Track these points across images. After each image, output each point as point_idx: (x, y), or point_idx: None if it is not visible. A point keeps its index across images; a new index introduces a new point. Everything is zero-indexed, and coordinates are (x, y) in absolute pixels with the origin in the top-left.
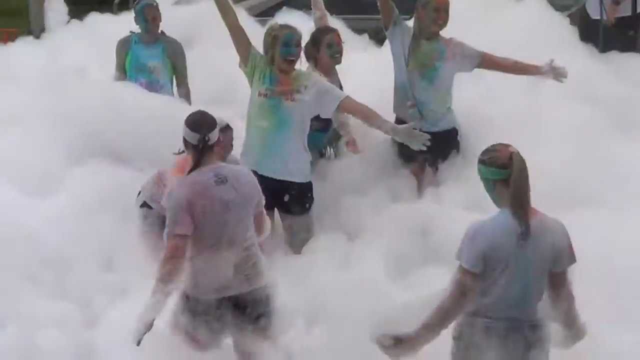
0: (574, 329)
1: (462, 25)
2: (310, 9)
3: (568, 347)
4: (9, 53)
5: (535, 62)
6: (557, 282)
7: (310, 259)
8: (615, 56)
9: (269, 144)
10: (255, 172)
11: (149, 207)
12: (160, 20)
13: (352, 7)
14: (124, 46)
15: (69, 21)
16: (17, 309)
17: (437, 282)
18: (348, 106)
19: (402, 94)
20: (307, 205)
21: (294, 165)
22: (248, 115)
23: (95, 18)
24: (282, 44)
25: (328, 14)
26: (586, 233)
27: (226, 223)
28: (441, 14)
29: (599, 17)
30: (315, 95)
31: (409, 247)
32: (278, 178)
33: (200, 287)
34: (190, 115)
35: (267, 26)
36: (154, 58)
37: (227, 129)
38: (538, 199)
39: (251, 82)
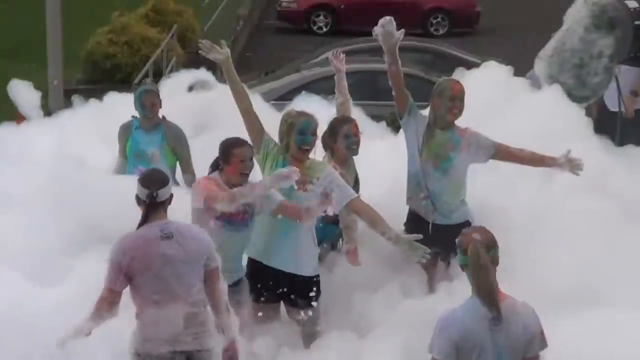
0: None
1: (477, 114)
2: (330, 93)
3: None
4: (23, 133)
5: (551, 154)
6: None
7: (320, 357)
8: (631, 150)
9: (278, 235)
10: (258, 262)
11: None
12: (160, 107)
13: (370, 93)
14: (125, 131)
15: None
16: None
17: None
18: (356, 207)
19: (415, 184)
20: (314, 298)
21: (303, 258)
22: None
23: (113, 98)
24: (298, 132)
25: (351, 99)
26: (598, 332)
27: (167, 278)
28: (457, 103)
29: (617, 110)
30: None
31: (422, 345)
32: (286, 270)
33: (151, 341)
34: (143, 173)
35: (283, 112)
36: (153, 145)
37: (240, 144)
38: (553, 295)
39: (263, 169)
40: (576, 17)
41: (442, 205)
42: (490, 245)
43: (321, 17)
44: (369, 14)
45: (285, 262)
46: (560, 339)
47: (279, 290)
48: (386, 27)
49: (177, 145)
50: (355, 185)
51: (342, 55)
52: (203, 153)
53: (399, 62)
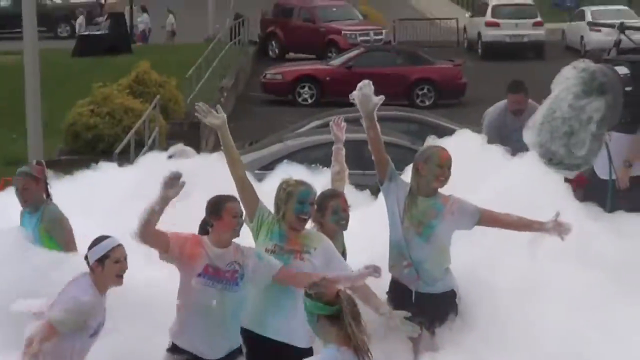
0: None
1: (451, 182)
2: (313, 163)
3: None
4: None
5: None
6: None
7: None
8: (622, 216)
9: (274, 303)
10: (252, 333)
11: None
12: (37, 189)
13: (354, 163)
14: (21, 214)
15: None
16: None
17: None
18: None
19: (397, 252)
20: None
21: (297, 327)
22: None
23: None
24: (297, 201)
25: (347, 169)
26: None
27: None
28: (445, 171)
29: (607, 178)
30: (323, 261)
31: None
32: (280, 340)
33: None
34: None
35: (280, 181)
36: (31, 227)
37: (232, 199)
38: None
39: (256, 238)
40: (565, 84)
41: (425, 273)
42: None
43: (306, 89)
44: (354, 85)
45: (280, 330)
46: None
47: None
48: (364, 90)
49: (51, 228)
50: (343, 257)
51: (344, 124)
52: (183, 217)
53: (378, 127)
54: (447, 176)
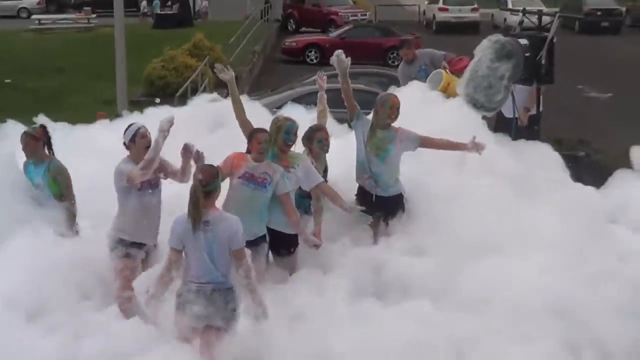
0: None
1: (404, 118)
2: (309, 105)
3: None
4: (91, 131)
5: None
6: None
7: (294, 287)
8: (522, 143)
9: (280, 209)
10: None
11: None
12: (37, 146)
13: (339, 104)
14: (24, 166)
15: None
16: None
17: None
18: (322, 188)
19: (362, 168)
20: (293, 249)
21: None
22: None
23: (154, 111)
24: (285, 132)
25: (327, 108)
26: (495, 274)
27: None
28: (394, 111)
29: (511, 116)
30: (303, 173)
31: (366, 282)
32: (276, 229)
33: None
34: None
35: (273, 117)
36: (39, 176)
37: (260, 130)
38: (462, 247)
39: None
40: (484, 52)
41: (382, 183)
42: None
43: (313, 53)
44: (346, 50)
45: (276, 222)
46: (468, 279)
47: (271, 244)
48: (339, 56)
49: (57, 175)
50: (325, 173)
51: (325, 77)
52: (220, 143)
53: (349, 82)
54: (396, 115)
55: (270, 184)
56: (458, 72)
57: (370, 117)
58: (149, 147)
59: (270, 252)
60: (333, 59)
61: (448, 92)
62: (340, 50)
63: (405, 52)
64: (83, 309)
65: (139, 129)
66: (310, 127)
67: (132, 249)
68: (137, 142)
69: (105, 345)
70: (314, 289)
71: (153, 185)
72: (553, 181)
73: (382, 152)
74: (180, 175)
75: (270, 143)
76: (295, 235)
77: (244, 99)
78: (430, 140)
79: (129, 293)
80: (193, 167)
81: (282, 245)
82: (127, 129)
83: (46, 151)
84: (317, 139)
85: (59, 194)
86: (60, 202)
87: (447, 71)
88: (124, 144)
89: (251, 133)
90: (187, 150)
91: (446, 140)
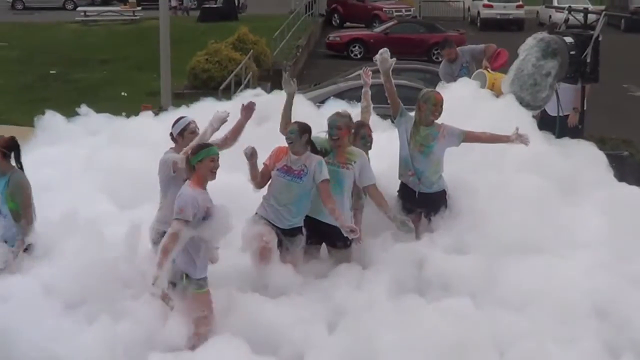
0: None
1: (453, 115)
2: (357, 100)
3: None
4: (135, 123)
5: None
6: None
7: (334, 281)
8: (567, 141)
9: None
10: (312, 219)
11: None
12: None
13: (380, 99)
14: None
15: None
16: None
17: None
18: (371, 191)
19: (405, 165)
20: (349, 242)
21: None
22: None
23: (202, 104)
24: (329, 127)
25: (371, 104)
26: (538, 273)
27: None
28: (438, 108)
29: (555, 114)
30: (359, 170)
31: (406, 277)
32: (329, 222)
33: None
34: None
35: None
36: None
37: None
38: (504, 245)
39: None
40: (529, 50)
41: (425, 179)
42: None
43: (357, 48)
44: (389, 46)
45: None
46: (510, 277)
47: (322, 236)
48: (383, 55)
49: (14, 193)
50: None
51: (370, 72)
52: (265, 137)
53: (392, 80)
54: (439, 112)
55: (307, 175)
56: (499, 68)
57: (413, 114)
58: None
59: (325, 245)
60: (377, 57)
61: (494, 90)
62: (384, 49)
63: (447, 52)
64: (123, 298)
65: (189, 123)
66: (356, 123)
67: None
68: (185, 136)
69: (142, 331)
70: (354, 283)
71: None
72: (597, 180)
73: (425, 148)
74: (230, 138)
75: (299, 135)
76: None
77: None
78: (473, 135)
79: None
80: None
81: (338, 237)
82: (177, 121)
83: (12, 163)
84: (360, 135)
85: (15, 210)
86: (17, 219)
87: (489, 70)
88: (171, 135)
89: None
90: (249, 108)
91: (489, 133)
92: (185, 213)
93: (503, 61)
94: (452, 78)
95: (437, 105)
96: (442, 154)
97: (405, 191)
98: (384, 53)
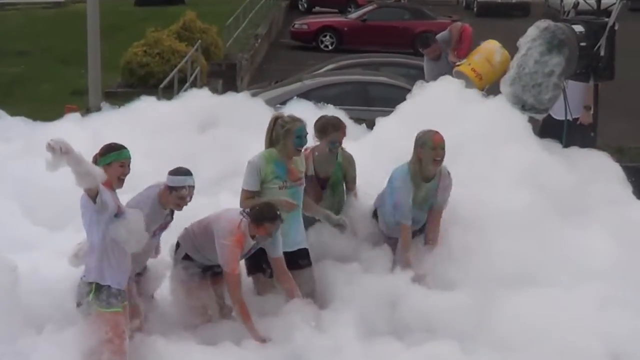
0: None
1: (434, 120)
2: (324, 100)
3: None
4: (56, 128)
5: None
6: None
7: (290, 320)
8: (575, 151)
9: (292, 224)
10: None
11: (190, 259)
12: None
13: (358, 99)
14: None
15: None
16: None
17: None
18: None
19: (394, 225)
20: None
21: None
22: None
23: (138, 105)
24: (296, 137)
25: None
26: (539, 310)
27: None
28: (439, 152)
29: (562, 118)
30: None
31: (379, 316)
32: (291, 250)
33: None
34: None
35: (272, 116)
36: None
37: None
38: (497, 278)
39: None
40: (531, 42)
41: (419, 223)
42: None
43: (327, 37)
44: (369, 35)
45: (296, 243)
46: (506, 316)
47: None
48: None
49: None
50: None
51: None
52: (210, 146)
53: None
54: (442, 156)
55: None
56: (467, 52)
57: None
58: (180, 207)
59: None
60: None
61: (482, 82)
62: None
63: (430, 50)
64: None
65: (184, 187)
66: (324, 119)
67: None
68: (172, 194)
69: None
70: (314, 322)
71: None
72: (611, 198)
73: (428, 205)
74: None
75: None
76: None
77: (244, 94)
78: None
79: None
80: None
81: (300, 256)
82: (177, 173)
83: None
84: (330, 140)
85: None
86: None
87: (459, 63)
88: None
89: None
90: None
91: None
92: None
93: (468, 41)
94: (433, 77)
95: (437, 149)
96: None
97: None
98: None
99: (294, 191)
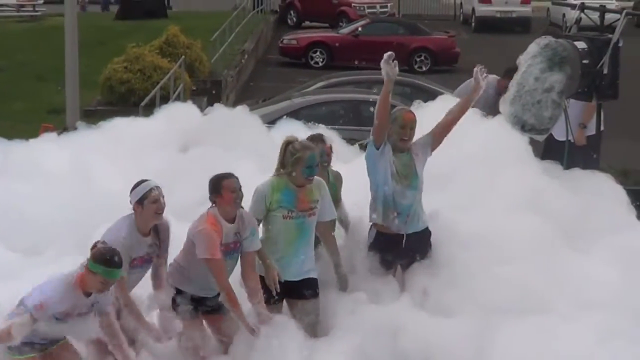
0: None
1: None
2: (314, 120)
3: None
4: (32, 148)
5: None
6: None
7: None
8: (577, 172)
9: (297, 255)
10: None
11: (181, 292)
12: None
13: (352, 119)
14: None
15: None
16: None
17: None
18: (322, 229)
19: (387, 207)
20: (317, 289)
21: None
22: (271, 235)
23: (119, 122)
24: (306, 166)
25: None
26: (540, 340)
27: None
28: (407, 131)
29: (564, 139)
30: (321, 207)
31: (378, 348)
32: (294, 279)
33: None
34: None
35: (285, 140)
36: None
37: (229, 175)
38: (498, 305)
39: (270, 204)
40: (531, 60)
41: (413, 214)
42: None
43: (318, 54)
44: (360, 52)
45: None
46: (506, 346)
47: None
48: (388, 61)
49: None
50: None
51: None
52: (192, 166)
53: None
54: (410, 136)
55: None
56: None
57: None
58: (159, 213)
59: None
60: (382, 64)
61: None
62: (390, 53)
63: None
64: None
65: (150, 190)
66: (311, 136)
67: None
68: (145, 205)
69: None
70: (305, 353)
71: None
72: (614, 223)
73: (412, 179)
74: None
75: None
76: None
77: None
78: (439, 128)
79: None
80: None
81: (306, 286)
82: (135, 186)
83: None
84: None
85: None
86: None
87: None
88: (130, 202)
89: (218, 180)
90: None
91: (451, 108)
92: (42, 311)
93: None
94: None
95: (405, 128)
96: (423, 176)
97: (386, 241)
98: (389, 59)
99: (301, 222)
